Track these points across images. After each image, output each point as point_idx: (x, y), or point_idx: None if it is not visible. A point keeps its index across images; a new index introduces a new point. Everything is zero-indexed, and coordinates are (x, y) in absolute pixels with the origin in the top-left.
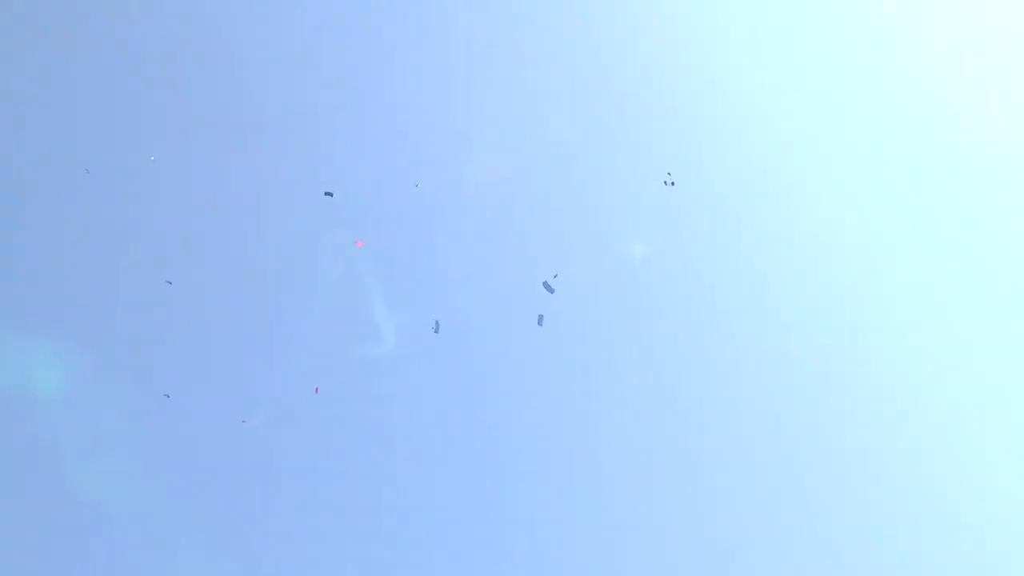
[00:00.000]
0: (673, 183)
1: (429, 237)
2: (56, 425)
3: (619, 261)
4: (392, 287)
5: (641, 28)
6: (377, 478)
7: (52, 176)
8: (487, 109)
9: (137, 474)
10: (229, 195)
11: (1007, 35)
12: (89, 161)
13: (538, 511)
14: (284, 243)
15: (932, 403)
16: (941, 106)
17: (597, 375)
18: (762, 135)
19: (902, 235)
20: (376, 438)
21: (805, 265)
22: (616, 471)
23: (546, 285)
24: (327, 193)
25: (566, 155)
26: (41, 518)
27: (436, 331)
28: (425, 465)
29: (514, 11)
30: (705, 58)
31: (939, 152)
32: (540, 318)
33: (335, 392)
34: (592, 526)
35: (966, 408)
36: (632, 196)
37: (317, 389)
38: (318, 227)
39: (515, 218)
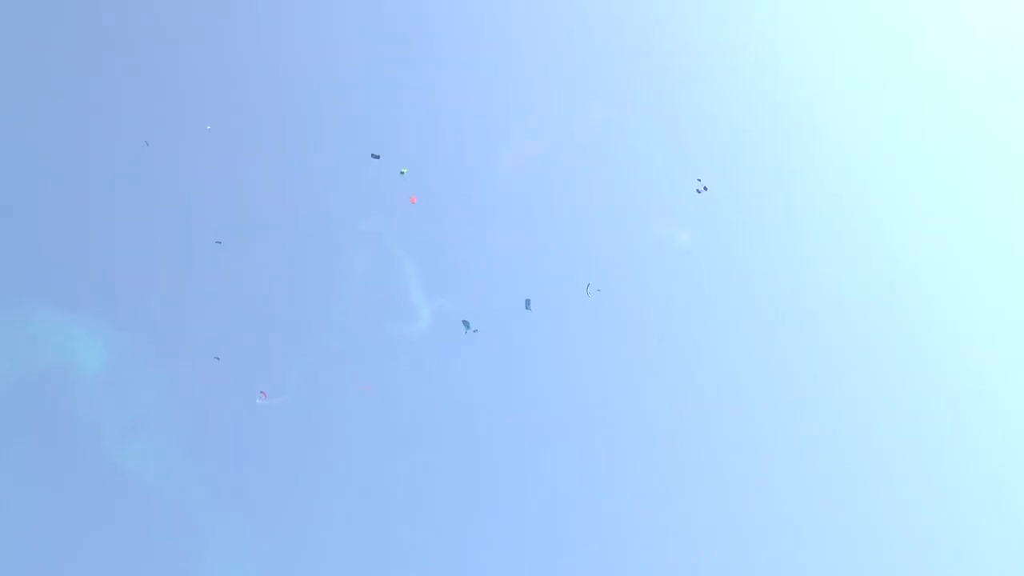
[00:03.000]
0: (705, 188)
1: (467, 222)
2: (97, 402)
3: (662, 249)
4: (430, 271)
5: (689, 14)
6: (412, 455)
7: (93, 159)
8: (527, 97)
9: (176, 449)
10: (268, 177)
11: None
12: (133, 141)
13: (571, 494)
14: (322, 224)
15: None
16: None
17: (637, 362)
18: (811, 123)
19: (947, 229)
20: (411, 417)
21: (846, 256)
22: (648, 445)
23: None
24: (374, 155)
25: (609, 142)
26: (83, 492)
27: (470, 329)
28: (459, 447)
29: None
30: (750, 47)
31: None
32: (588, 287)
33: (371, 370)
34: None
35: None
36: (676, 184)
37: (368, 387)
38: (356, 209)
39: (555, 205)
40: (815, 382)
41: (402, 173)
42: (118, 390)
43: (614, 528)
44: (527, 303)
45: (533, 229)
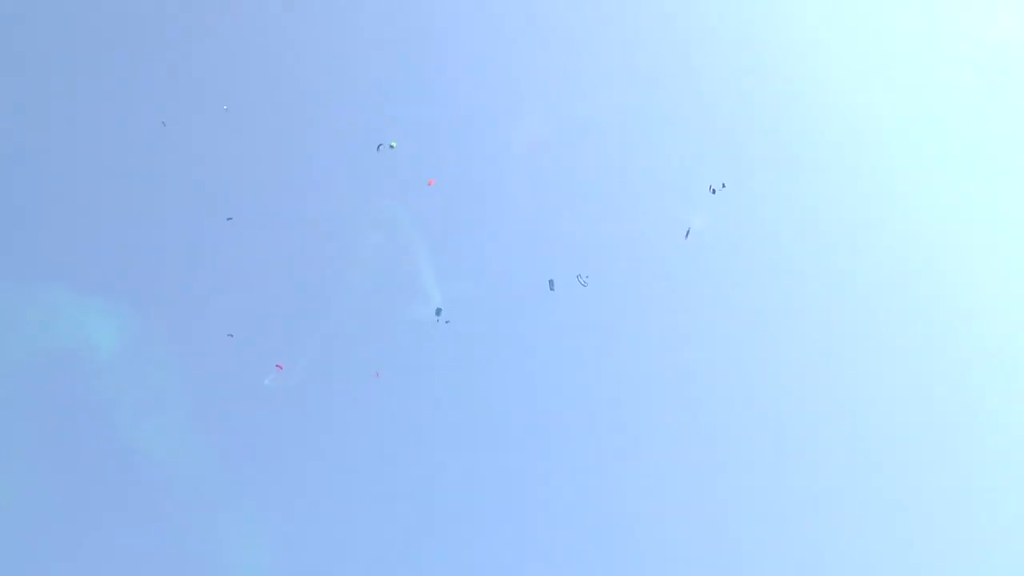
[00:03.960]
0: (714, 191)
1: (481, 207)
2: (111, 383)
3: (674, 233)
4: (444, 255)
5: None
6: (424, 441)
7: (108, 140)
8: (542, 83)
9: (189, 431)
10: (282, 159)
11: None
12: (149, 123)
13: (582, 478)
14: (336, 207)
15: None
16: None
17: (654, 350)
18: (828, 108)
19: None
20: (424, 401)
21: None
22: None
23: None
24: (378, 146)
25: (624, 128)
26: (96, 473)
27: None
28: (470, 434)
29: None
30: (766, 31)
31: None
32: (579, 277)
33: (382, 352)
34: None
35: None
36: (692, 170)
37: (378, 373)
38: (370, 192)
39: (570, 191)
40: (831, 374)
41: (391, 147)
42: (131, 372)
43: (627, 516)
44: (551, 284)
45: (548, 215)
